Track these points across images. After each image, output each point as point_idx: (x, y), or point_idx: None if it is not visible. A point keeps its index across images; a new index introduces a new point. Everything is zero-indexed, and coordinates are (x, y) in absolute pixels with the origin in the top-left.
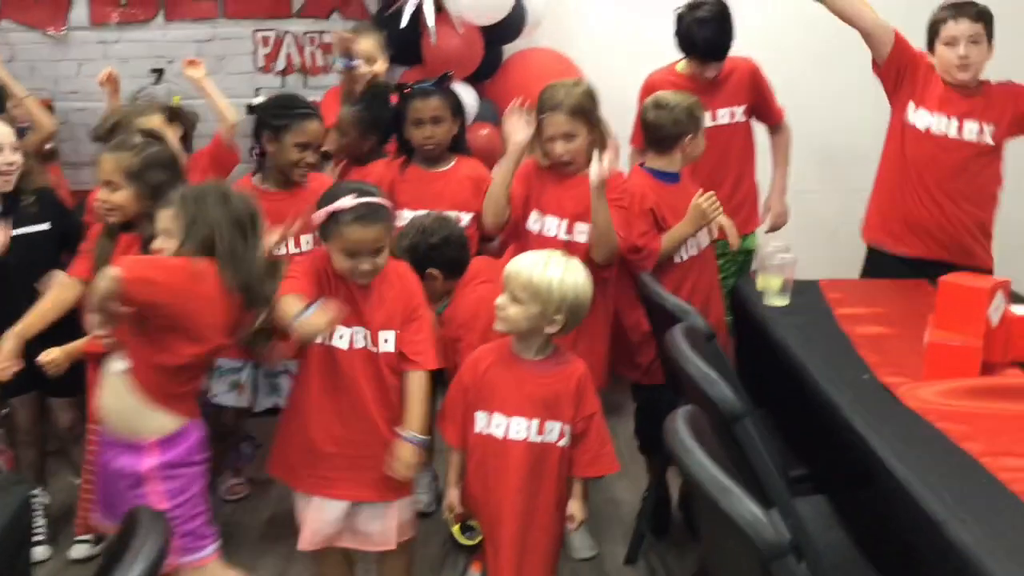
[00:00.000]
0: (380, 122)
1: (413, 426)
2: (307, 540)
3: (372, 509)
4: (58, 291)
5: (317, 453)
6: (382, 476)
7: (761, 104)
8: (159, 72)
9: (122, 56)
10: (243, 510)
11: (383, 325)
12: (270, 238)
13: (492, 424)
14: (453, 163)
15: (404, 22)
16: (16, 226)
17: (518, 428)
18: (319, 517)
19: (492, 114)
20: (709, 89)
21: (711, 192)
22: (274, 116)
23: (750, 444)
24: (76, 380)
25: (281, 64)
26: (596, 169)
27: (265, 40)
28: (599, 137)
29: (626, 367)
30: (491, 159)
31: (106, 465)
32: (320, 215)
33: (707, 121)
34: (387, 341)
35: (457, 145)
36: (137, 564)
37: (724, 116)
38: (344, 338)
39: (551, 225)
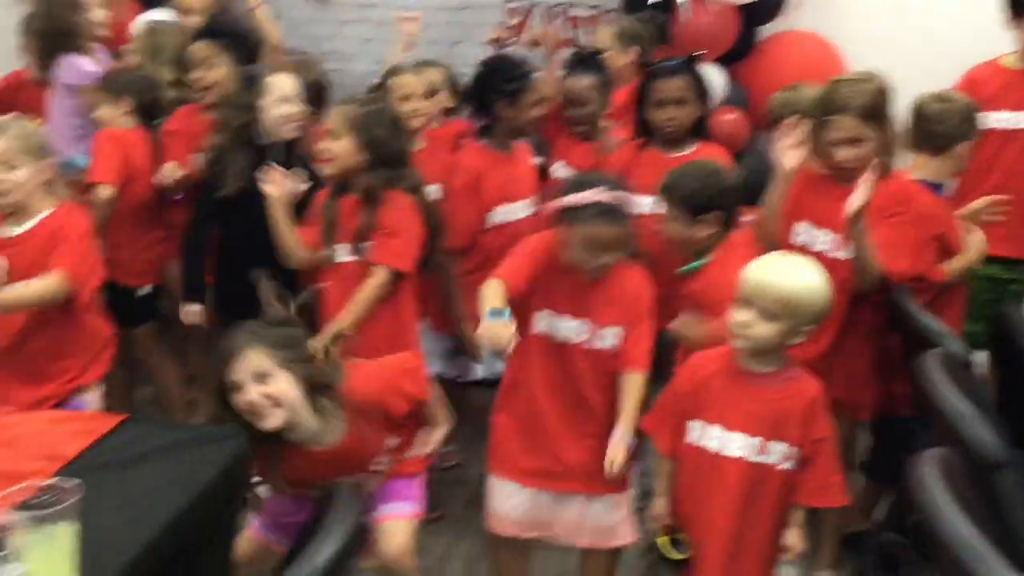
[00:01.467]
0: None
1: (627, 426)
2: (506, 526)
3: (591, 503)
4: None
5: (534, 442)
6: (599, 469)
7: None
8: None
9: (379, 20)
10: (449, 478)
11: (610, 321)
12: None
13: (708, 436)
14: (694, 148)
15: None
16: None
17: (737, 444)
18: (521, 504)
19: (741, 99)
20: None
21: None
22: (507, 81)
23: (1010, 497)
24: None
25: (527, 36)
26: (858, 194)
27: (515, 11)
28: (888, 142)
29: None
30: (735, 146)
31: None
32: (568, 201)
33: None
34: (610, 337)
35: (699, 129)
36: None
37: None
38: (569, 329)
39: (822, 240)
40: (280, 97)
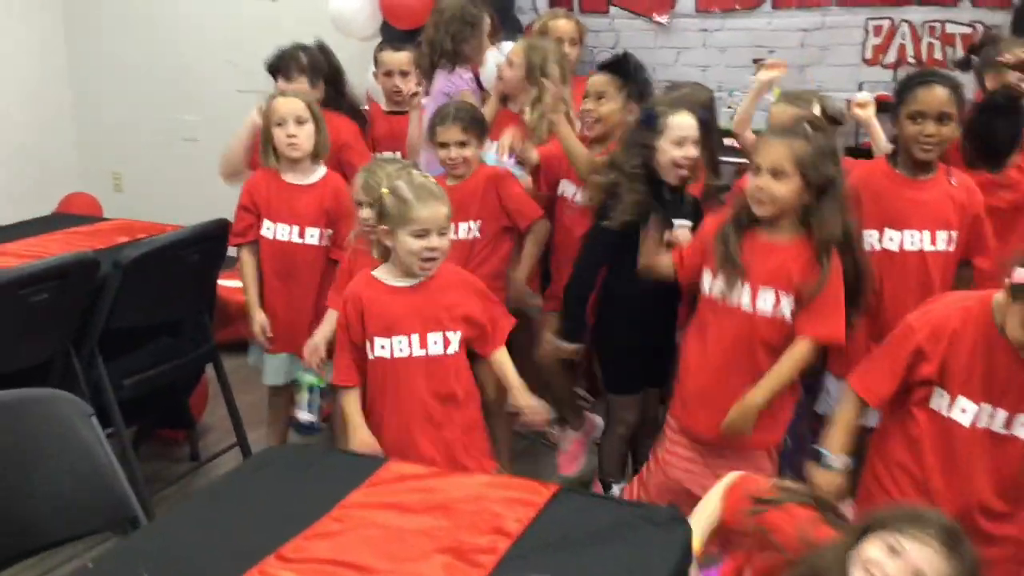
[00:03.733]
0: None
1: None
2: None
3: None
4: None
5: None
6: None
7: None
8: (760, 62)
9: (721, 45)
10: None
11: None
12: None
13: None
14: None
15: None
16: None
17: None
18: None
19: None
20: None
21: None
22: (893, 92)
23: None
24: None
25: (891, 56)
26: None
27: (877, 29)
28: None
29: None
30: None
31: None
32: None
33: None
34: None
35: None
36: None
37: None
38: (968, 413)
39: None
40: (678, 139)
